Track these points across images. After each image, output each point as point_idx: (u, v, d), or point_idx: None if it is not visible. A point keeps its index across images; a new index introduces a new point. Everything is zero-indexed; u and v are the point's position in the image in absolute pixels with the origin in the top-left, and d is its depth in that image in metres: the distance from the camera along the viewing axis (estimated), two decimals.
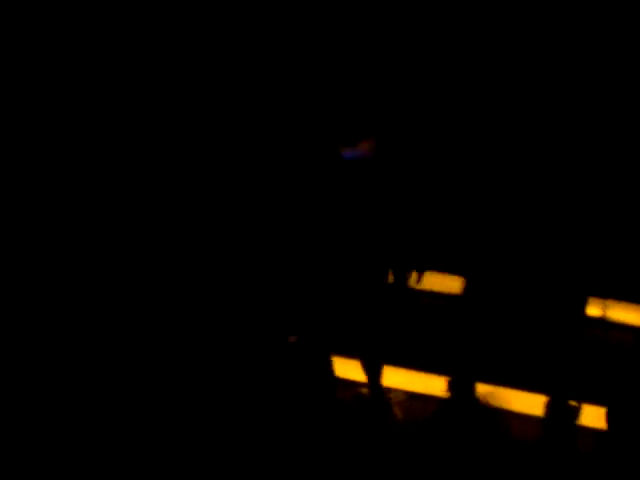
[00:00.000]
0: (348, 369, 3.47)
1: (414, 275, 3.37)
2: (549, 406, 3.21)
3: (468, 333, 3.32)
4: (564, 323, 3.15)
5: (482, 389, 3.39)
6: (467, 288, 3.29)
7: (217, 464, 3.08)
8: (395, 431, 3.37)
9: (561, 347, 3.18)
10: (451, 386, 3.36)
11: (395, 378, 3.55)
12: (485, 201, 3.19)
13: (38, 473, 2.96)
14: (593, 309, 3.41)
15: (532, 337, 3.27)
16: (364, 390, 3.45)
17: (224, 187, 3.31)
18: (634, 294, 3.39)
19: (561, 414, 3.19)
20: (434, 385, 3.46)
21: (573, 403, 3.18)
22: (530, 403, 3.33)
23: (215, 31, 3.21)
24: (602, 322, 3.44)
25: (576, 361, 3.19)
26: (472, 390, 3.36)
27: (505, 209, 3.16)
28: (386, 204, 3.09)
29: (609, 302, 3.44)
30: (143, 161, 3.13)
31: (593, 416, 3.16)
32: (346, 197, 2.99)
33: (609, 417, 2.93)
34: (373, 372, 3.37)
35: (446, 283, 3.75)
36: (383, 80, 3.19)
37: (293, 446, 3.09)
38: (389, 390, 3.51)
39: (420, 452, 3.24)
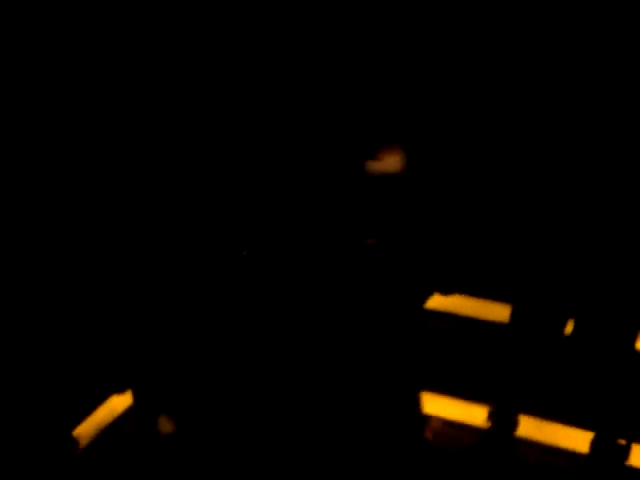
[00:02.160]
0: None
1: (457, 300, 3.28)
2: (596, 444, 3.04)
3: (513, 361, 3.17)
4: (615, 357, 3.00)
5: (525, 421, 3.25)
6: (514, 316, 3.15)
7: None
8: (430, 459, 3.24)
9: (612, 382, 3.02)
10: (492, 416, 3.22)
11: (434, 405, 3.43)
12: (535, 221, 3.05)
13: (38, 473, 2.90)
14: None
15: (581, 369, 3.12)
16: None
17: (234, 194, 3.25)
18: None
19: (608, 453, 3.03)
20: (474, 414, 3.34)
21: (622, 442, 3.01)
22: (576, 439, 3.18)
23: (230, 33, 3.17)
24: None
25: (628, 398, 3.03)
26: (514, 421, 3.21)
27: (556, 232, 3.02)
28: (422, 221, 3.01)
29: None
30: (143, 161, 3.07)
31: None
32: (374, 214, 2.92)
33: None
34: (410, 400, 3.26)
35: (492, 310, 3.64)
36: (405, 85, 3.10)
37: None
38: (427, 417, 3.40)
39: None
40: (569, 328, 3.09)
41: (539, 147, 2.97)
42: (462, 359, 3.58)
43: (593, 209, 2.86)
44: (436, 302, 3.55)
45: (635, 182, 2.82)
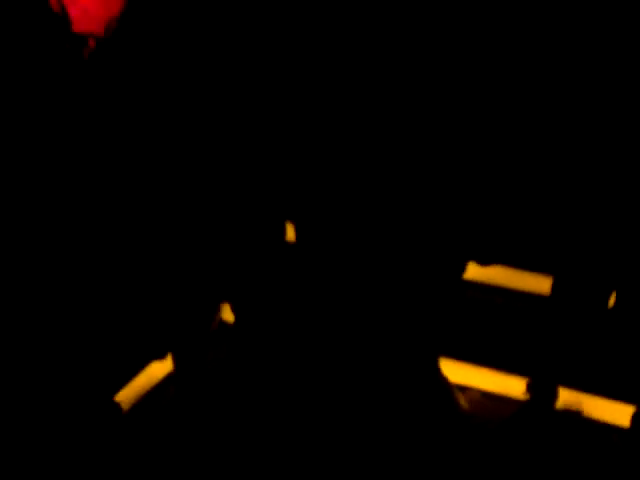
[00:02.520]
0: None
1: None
2: (636, 418, 3.01)
3: (554, 334, 3.14)
4: None
5: (565, 394, 3.23)
6: (556, 287, 3.11)
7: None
8: (466, 430, 3.23)
9: None
10: (530, 388, 3.20)
11: (472, 377, 3.42)
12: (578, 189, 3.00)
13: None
14: None
15: (624, 342, 3.08)
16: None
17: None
18: None
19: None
20: (513, 386, 3.32)
21: None
22: (617, 413, 3.15)
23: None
24: None
25: None
26: (553, 394, 3.19)
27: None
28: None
29: None
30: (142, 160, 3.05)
31: None
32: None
33: None
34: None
35: (533, 282, 3.60)
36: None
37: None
38: (465, 389, 3.39)
39: (490, 455, 3.10)
40: (612, 300, 3.05)
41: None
42: (501, 331, 3.56)
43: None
44: (475, 273, 3.51)
45: None
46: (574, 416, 3.22)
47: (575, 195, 2.98)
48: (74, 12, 3.04)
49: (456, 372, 3.39)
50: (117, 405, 3.15)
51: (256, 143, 3.04)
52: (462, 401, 3.30)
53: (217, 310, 3.15)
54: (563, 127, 2.92)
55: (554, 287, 3.12)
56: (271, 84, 3.01)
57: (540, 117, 2.95)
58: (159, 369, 3.37)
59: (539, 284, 3.41)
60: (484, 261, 3.41)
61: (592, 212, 2.93)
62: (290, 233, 3.17)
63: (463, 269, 3.29)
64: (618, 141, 2.81)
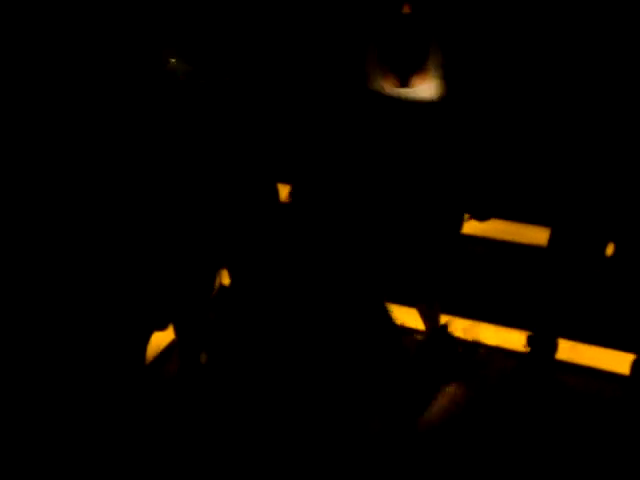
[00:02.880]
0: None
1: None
2: (636, 365, 3.04)
3: (552, 285, 3.14)
4: None
5: (564, 345, 3.25)
6: (553, 239, 3.11)
7: None
8: (468, 384, 3.27)
9: None
10: (531, 341, 3.22)
11: (473, 331, 3.45)
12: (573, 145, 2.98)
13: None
14: None
15: (621, 292, 3.09)
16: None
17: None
18: None
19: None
20: (513, 339, 3.34)
21: None
22: (617, 361, 3.17)
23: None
24: None
25: None
26: (553, 346, 3.21)
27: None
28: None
29: None
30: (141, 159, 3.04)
31: None
32: None
33: None
34: (431, 319, 3.27)
35: (530, 234, 3.61)
36: None
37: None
38: (465, 343, 3.42)
39: (492, 409, 3.14)
40: (609, 251, 3.05)
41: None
42: (500, 284, 3.57)
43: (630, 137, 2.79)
44: (473, 227, 3.51)
45: None
46: (574, 366, 3.26)
47: (570, 147, 2.97)
48: None
49: (460, 328, 3.43)
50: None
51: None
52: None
53: (215, 278, 3.16)
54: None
55: (551, 239, 3.12)
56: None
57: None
58: (162, 338, 3.40)
59: (537, 236, 3.41)
60: (481, 216, 3.42)
61: (587, 165, 2.91)
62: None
63: (460, 223, 3.29)
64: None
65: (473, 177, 3.17)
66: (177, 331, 3.23)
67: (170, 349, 3.41)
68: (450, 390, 3.19)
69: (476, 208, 3.32)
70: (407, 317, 3.42)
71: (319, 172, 3.07)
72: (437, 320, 3.32)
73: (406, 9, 2.73)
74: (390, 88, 2.83)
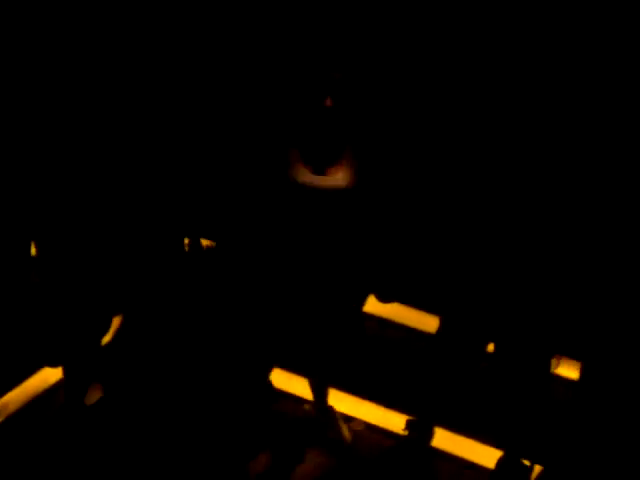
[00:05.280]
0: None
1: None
2: (501, 462, 3.17)
3: (436, 373, 3.27)
4: (529, 381, 3.10)
5: (440, 433, 3.36)
6: (441, 329, 3.25)
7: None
8: (349, 460, 3.35)
9: (525, 404, 3.12)
10: (409, 425, 3.33)
11: (358, 408, 3.54)
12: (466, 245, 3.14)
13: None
14: (560, 369, 3.39)
15: (498, 389, 3.22)
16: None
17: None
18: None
19: (511, 473, 3.15)
20: (394, 421, 3.45)
21: (525, 463, 3.13)
22: (486, 456, 3.30)
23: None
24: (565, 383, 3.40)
25: (538, 421, 3.13)
26: (430, 433, 3.32)
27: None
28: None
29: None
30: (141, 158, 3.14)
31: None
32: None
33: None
34: (319, 392, 3.37)
35: (423, 320, 3.75)
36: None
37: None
38: (350, 418, 3.51)
39: None
40: (491, 347, 3.19)
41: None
42: (390, 365, 3.69)
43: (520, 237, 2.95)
44: (374, 307, 3.63)
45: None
46: (447, 455, 3.37)
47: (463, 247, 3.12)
48: None
49: (343, 402, 3.53)
50: None
51: None
52: (345, 430, 3.43)
53: (109, 324, 3.22)
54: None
55: (440, 330, 3.25)
56: None
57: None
58: (52, 374, 3.43)
59: (430, 324, 3.54)
60: (384, 297, 3.53)
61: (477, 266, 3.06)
62: None
63: (363, 301, 3.41)
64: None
65: (384, 259, 3.30)
66: (65, 369, 3.27)
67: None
68: (317, 457, 3.30)
69: (382, 289, 3.44)
70: (298, 386, 3.54)
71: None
72: (325, 393, 3.42)
73: (328, 102, 2.87)
74: (305, 176, 2.95)
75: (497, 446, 3.24)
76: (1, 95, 3.02)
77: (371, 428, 3.49)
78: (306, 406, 3.51)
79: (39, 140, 3.00)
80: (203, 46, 3.40)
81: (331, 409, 3.43)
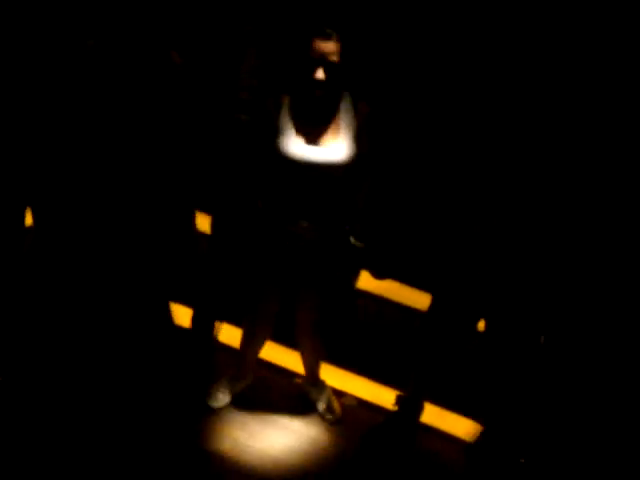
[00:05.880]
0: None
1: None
2: (482, 435, 3.20)
3: (427, 350, 3.29)
4: (518, 359, 3.11)
5: (429, 408, 3.40)
6: (432, 307, 3.26)
7: None
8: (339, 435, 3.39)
9: (512, 383, 3.14)
10: (399, 401, 3.36)
11: (350, 383, 3.58)
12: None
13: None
14: None
15: (487, 366, 3.24)
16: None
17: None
18: None
19: (492, 446, 3.19)
20: (384, 397, 3.48)
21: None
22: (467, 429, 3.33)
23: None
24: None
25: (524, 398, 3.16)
26: (419, 408, 3.35)
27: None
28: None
29: None
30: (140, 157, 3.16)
31: None
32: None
33: None
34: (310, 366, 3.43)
35: (415, 298, 3.77)
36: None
37: None
38: (342, 394, 3.55)
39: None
40: (480, 325, 3.20)
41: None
42: (383, 342, 3.72)
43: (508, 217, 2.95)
44: (368, 284, 3.65)
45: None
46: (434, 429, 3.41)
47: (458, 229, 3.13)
48: None
49: (335, 377, 3.57)
50: None
51: None
52: (336, 404, 3.46)
53: None
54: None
55: (431, 305, 3.26)
56: None
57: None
58: None
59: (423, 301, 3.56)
60: (380, 275, 3.55)
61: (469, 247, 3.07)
62: None
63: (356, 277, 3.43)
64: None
65: (379, 237, 3.31)
66: None
67: None
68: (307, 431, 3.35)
69: (376, 266, 3.46)
70: (290, 359, 3.58)
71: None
72: (317, 367, 3.45)
73: (319, 74, 2.87)
74: (299, 147, 2.95)
75: (484, 423, 3.28)
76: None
77: (362, 403, 3.53)
78: (298, 380, 3.56)
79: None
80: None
81: (323, 383, 3.47)
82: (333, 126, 2.96)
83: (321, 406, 3.45)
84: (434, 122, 3.63)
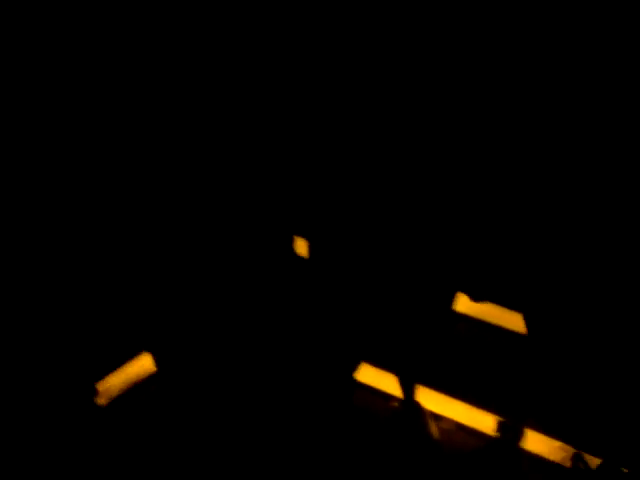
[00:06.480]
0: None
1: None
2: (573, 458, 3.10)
3: (530, 377, 3.22)
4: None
5: (532, 436, 3.30)
6: (530, 329, 3.19)
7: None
8: (436, 459, 3.33)
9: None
10: (500, 427, 3.28)
11: (446, 407, 3.52)
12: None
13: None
14: None
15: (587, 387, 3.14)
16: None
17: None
18: None
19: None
20: (485, 422, 3.40)
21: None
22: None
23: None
24: None
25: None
26: (520, 434, 3.26)
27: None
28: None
29: None
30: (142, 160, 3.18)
31: None
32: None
33: None
34: (407, 389, 3.36)
35: (515, 321, 3.68)
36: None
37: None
38: (440, 417, 3.49)
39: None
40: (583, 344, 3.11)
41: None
42: (481, 365, 3.64)
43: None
44: (466, 307, 3.60)
45: None
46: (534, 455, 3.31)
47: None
48: None
49: (434, 401, 3.51)
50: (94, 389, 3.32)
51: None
52: (434, 428, 3.41)
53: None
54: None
55: (527, 325, 3.20)
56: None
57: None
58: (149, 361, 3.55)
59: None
60: (476, 297, 3.52)
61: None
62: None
63: (452, 300, 3.39)
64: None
65: (475, 259, 3.28)
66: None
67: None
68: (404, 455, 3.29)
69: (473, 289, 3.42)
70: (386, 382, 3.55)
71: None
72: (413, 390, 3.41)
73: None
74: None
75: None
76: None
77: (460, 427, 3.47)
78: (394, 403, 3.52)
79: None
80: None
81: (419, 406, 3.42)
82: None
83: (419, 429, 3.40)
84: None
